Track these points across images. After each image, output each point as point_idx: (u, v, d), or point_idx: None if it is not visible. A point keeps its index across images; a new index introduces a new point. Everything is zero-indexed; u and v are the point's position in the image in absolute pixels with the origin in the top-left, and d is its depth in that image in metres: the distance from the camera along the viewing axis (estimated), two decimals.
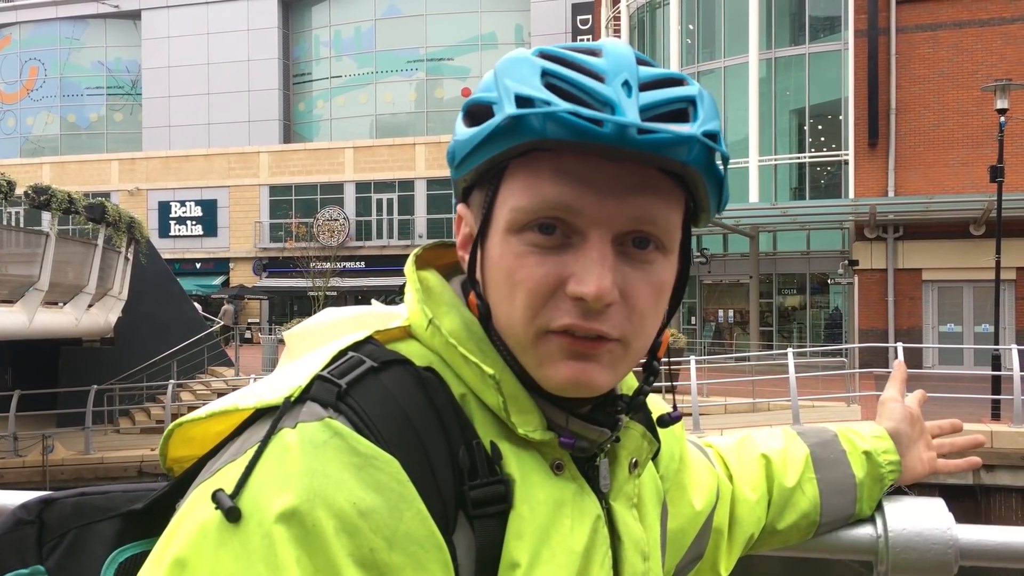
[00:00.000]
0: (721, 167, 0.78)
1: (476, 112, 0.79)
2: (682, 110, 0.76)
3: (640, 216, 0.76)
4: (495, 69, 0.79)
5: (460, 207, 0.85)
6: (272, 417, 0.73)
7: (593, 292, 0.74)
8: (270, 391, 0.76)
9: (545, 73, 0.75)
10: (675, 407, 0.92)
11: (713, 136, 0.76)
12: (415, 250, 0.90)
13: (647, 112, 0.74)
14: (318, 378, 0.75)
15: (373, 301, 0.96)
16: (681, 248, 0.82)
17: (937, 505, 1.17)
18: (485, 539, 0.74)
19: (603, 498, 0.85)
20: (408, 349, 0.81)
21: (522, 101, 0.74)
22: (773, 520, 1.17)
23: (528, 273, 0.76)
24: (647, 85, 0.76)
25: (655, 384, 0.87)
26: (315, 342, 0.85)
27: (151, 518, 0.84)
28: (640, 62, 0.78)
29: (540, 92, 0.74)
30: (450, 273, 0.89)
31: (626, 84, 0.74)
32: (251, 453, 0.70)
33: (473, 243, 0.82)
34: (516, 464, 0.78)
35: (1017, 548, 1.14)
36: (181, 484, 0.82)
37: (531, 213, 0.76)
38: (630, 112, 0.73)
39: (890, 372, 1.31)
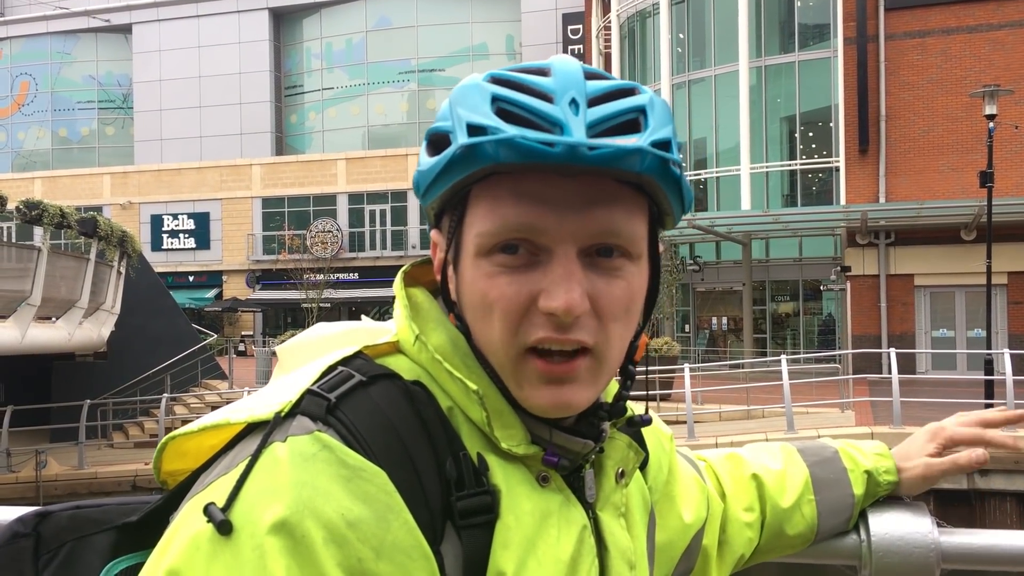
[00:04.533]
0: (677, 170, 0.80)
1: (437, 141, 0.81)
2: (632, 120, 0.78)
3: (601, 229, 0.78)
4: (450, 98, 0.81)
5: (433, 233, 0.88)
6: (263, 431, 0.75)
7: (562, 306, 0.76)
8: (261, 405, 0.78)
9: (495, 99, 0.77)
10: (647, 411, 0.93)
11: (664, 144, 0.78)
12: (403, 267, 0.92)
13: (596, 127, 0.76)
14: (308, 392, 0.77)
15: (363, 317, 0.98)
16: (650, 253, 0.84)
17: (919, 510, 1.19)
18: (472, 549, 0.76)
19: (589, 508, 0.86)
20: (396, 364, 0.83)
21: (474, 130, 0.76)
22: (766, 542, 1.17)
23: (500, 292, 0.78)
24: (596, 100, 0.78)
25: (633, 392, 0.89)
26: (307, 356, 0.87)
27: (146, 530, 0.86)
28: (590, 76, 0.80)
29: (490, 119, 0.76)
30: (437, 290, 0.91)
31: (573, 102, 0.76)
32: (242, 467, 0.72)
33: (443, 268, 0.85)
34: (502, 476, 0.80)
35: (997, 550, 1.17)
36: (175, 497, 0.83)
37: (496, 236, 0.78)
38: (577, 130, 0.75)
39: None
